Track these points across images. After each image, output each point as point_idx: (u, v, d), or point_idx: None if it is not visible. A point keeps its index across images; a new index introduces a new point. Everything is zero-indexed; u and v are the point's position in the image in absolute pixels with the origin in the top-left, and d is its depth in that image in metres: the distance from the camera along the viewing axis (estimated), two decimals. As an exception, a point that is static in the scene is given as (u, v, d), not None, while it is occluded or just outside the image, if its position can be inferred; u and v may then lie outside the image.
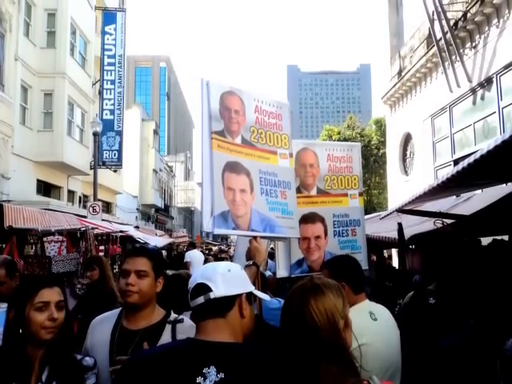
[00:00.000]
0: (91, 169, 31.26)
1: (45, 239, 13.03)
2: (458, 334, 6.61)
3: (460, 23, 18.24)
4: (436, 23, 18.54)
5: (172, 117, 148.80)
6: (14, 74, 26.03)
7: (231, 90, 5.45)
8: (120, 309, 4.30)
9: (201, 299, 2.91)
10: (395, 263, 18.05)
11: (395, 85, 26.16)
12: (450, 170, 6.27)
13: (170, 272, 7.94)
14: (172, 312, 4.25)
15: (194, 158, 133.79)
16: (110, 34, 37.30)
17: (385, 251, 19.12)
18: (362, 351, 3.55)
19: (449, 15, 18.10)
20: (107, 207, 41.82)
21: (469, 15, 17.64)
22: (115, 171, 40.55)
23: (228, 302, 2.95)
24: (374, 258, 16.01)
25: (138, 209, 56.84)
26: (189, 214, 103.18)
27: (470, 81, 18.28)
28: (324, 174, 7.11)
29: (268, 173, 5.57)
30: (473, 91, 18.53)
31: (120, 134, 36.76)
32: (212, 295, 2.89)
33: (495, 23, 16.75)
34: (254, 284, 3.56)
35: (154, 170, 64.45)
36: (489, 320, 6.65)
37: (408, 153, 26.62)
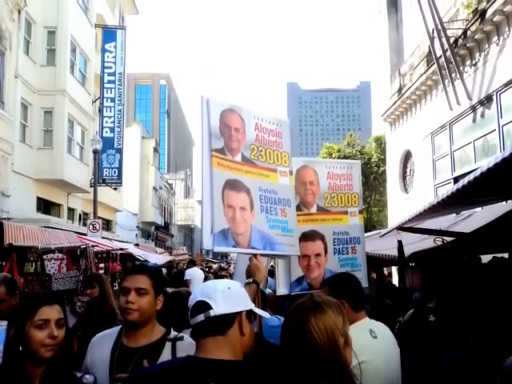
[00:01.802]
0: (91, 186, 31.23)
1: (45, 257, 13.03)
2: (458, 351, 6.61)
3: (460, 41, 18.31)
4: (436, 41, 18.61)
5: (172, 134, 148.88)
6: (14, 92, 26.05)
7: (231, 107, 5.45)
8: (120, 326, 4.30)
9: (201, 317, 2.91)
10: (395, 281, 18.01)
11: (395, 102, 26.22)
12: (450, 188, 6.29)
13: (169, 290, 7.96)
14: (172, 330, 4.25)
15: (194, 175, 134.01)
16: (110, 52, 37.36)
17: (385, 269, 19.07)
18: (361, 369, 3.56)
19: (449, 33, 18.17)
20: (107, 225, 41.78)
21: (469, 33, 17.70)
22: (115, 189, 40.51)
23: (228, 320, 2.95)
24: (374, 275, 15.98)
25: (138, 226, 56.80)
26: (189, 231, 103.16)
27: (469, 98, 18.32)
28: (324, 191, 7.11)
29: (268, 190, 5.56)
30: (473, 109, 18.57)
31: (120, 151, 36.77)
32: (212, 313, 2.89)
33: (495, 41, 16.80)
34: (254, 302, 3.57)
35: (154, 188, 64.49)
36: (489, 337, 6.65)
37: (408, 170, 26.66)
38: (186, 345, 3.94)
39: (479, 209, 10.97)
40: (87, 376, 3.80)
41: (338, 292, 4.17)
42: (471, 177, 5.32)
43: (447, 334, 6.81)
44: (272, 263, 8.29)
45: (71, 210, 34.05)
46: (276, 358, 3.03)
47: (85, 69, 35.26)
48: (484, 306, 7.29)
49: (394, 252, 10.35)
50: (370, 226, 46.64)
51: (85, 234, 21.11)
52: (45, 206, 30.31)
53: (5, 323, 4.01)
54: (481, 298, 7.54)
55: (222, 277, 28.47)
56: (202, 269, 28.67)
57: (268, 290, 9.32)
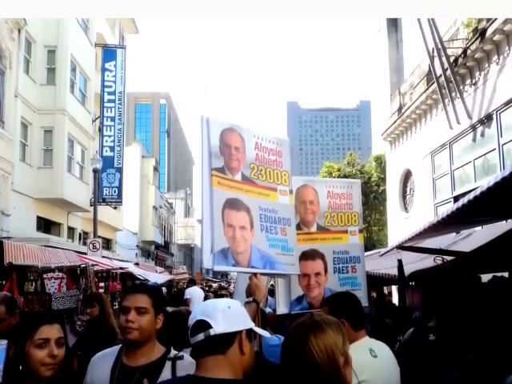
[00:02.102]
0: (91, 205, 31.23)
1: (45, 276, 13.02)
2: (458, 370, 6.59)
3: (460, 60, 18.33)
4: (436, 60, 18.63)
5: (172, 154, 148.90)
6: (14, 111, 26.07)
7: (231, 126, 5.46)
8: (120, 345, 4.30)
9: (201, 336, 2.91)
10: (395, 300, 17.98)
11: (395, 121, 26.23)
12: (450, 207, 6.30)
13: (170, 309, 7.95)
14: (172, 349, 4.24)
15: (194, 194, 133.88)
16: (110, 71, 37.46)
17: (385, 288, 19.04)
18: (362, 388, 3.55)
19: (449, 52, 18.20)
20: (107, 244, 41.70)
21: (469, 52, 17.73)
22: (115, 208, 40.41)
23: (228, 339, 2.95)
24: (374, 294, 15.95)
25: (138, 245, 56.69)
26: (189, 250, 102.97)
27: (469, 117, 18.33)
28: (324, 210, 7.12)
29: (268, 209, 5.56)
30: (473, 128, 18.57)
31: (120, 170, 36.81)
32: (212, 332, 2.89)
33: (495, 60, 16.83)
34: (253, 321, 3.57)
35: (154, 207, 64.45)
36: (489, 356, 6.63)
37: (408, 189, 26.65)
38: (186, 364, 3.93)
39: (479, 228, 10.97)
40: (87, 395, 3.80)
41: (337, 311, 4.17)
42: (471, 196, 5.33)
43: (447, 353, 6.80)
44: (272, 282, 8.29)
45: (71, 229, 34.04)
46: (276, 377, 3.02)
47: (85, 88, 35.33)
48: (484, 325, 7.28)
49: (394, 271, 10.34)
50: (369, 245, 46.60)
51: (85, 253, 21.07)
52: (45, 225, 30.30)
53: (5, 342, 4.01)
54: (481, 317, 7.53)
55: (222, 296, 28.45)
56: (202, 288, 28.66)
57: (268, 309, 9.30)
